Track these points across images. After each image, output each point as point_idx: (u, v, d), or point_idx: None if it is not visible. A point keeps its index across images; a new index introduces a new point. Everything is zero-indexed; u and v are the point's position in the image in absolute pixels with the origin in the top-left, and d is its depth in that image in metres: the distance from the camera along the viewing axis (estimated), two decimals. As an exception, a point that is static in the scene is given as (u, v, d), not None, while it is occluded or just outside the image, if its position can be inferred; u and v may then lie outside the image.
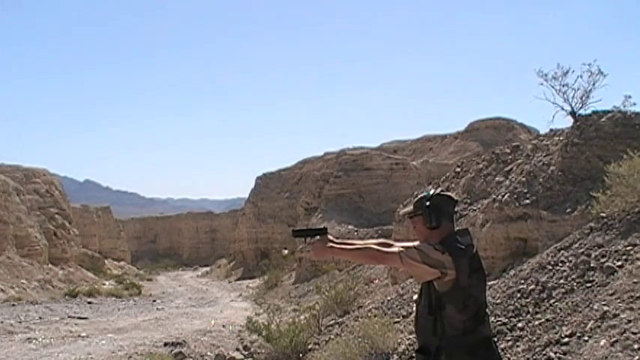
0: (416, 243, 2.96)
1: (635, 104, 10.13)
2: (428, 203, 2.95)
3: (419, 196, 3.07)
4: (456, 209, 3.13)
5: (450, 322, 2.81)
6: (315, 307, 12.60)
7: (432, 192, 3.03)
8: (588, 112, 10.45)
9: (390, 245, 2.96)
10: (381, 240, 3.09)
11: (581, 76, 10.13)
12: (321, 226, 3.04)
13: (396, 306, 10.73)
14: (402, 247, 2.89)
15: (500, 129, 38.65)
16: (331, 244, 2.91)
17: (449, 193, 3.13)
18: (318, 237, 2.94)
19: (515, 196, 10.34)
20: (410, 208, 3.07)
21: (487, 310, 3.02)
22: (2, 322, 16.33)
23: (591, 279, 6.61)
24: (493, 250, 10.32)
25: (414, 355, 7.59)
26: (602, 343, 5.31)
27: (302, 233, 3.01)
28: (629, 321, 5.38)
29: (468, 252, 2.87)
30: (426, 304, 2.88)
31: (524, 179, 10.62)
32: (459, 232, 2.98)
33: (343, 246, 2.93)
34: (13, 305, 20.99)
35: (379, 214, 29.34)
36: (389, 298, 11.73)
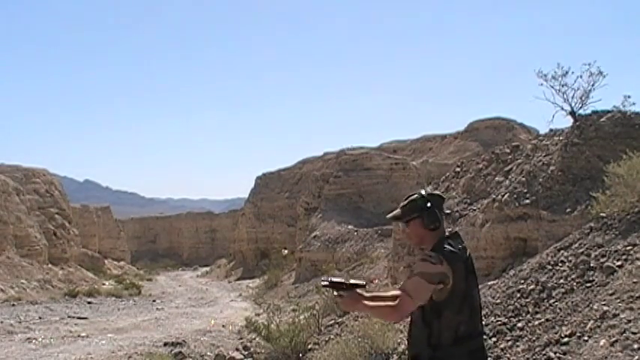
0: (407, 271, 2.91)
1: (634, 104, 10.15)
2: (429, 204, 2.90)
3: (410, 198, 2.98)
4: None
5: (445, 327, 2.78)
6: (314, 307, 12.60)
7: (423, 192, 2.98)
8: (588, 112, 10.47)
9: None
10: (392, 293, 2.95)
11: (580, 76, 10.16)
12: (362, 282, 2.86)
13: (396, 306, 10.72)
14: (402, 286, 2.78)
15: (500, 129, 38.60)
16: (365, 301, 2.81)
17: (438, 192, 3.10)
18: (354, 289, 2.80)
19: (515, 196, 10.34)
20: (399, 211, 2.99)
21: (481, 312, 3.01)
22: (2, 322, 16.33)
23: (591, 279, 6.61)
24: (493, 250, 10.32)
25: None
26: (601, 343, 5.31)
27: (340, 286, 2.80)
28: (629, 321, 5.38)
29: (462, 255, 2.84)
30: (420, 314, 2.83)
31: (524, 179, 10.62)
32: (450, 236, 2.93)
33: (372, 303, 2.83)
34: (13, 305, 21.02)
35: (379, 214, 29.29)
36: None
